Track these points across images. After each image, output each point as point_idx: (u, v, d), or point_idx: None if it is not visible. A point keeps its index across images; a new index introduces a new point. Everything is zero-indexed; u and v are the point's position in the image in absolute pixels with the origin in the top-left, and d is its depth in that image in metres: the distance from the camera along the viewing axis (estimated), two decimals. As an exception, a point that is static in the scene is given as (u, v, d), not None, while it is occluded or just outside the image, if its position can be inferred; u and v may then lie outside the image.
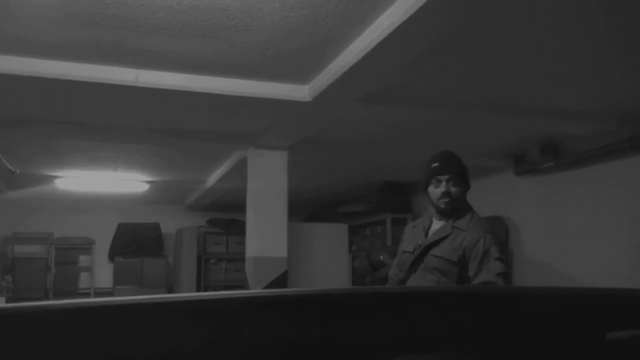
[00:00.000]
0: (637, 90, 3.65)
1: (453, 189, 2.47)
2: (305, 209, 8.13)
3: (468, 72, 3.36)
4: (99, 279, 8.20)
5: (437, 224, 2.54)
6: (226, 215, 8.22)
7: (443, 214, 2.51)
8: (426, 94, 3.74)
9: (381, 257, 5.52)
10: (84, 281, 8.27)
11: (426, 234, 2.54)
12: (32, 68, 3.12)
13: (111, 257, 8.31)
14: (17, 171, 5.80)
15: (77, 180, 6.45)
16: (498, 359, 0.79)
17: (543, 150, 5.05)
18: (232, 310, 0.73)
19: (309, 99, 3.54)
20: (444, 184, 2.47)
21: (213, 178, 6.46)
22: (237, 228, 7.51)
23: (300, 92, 3.56)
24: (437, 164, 2.51)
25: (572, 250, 4.92)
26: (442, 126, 4.50)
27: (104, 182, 6.64)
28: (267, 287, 4.46)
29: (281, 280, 4.58)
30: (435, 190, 2.49)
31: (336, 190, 7.31)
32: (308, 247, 5.88)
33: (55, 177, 6.30)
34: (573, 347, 0.78)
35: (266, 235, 4.72)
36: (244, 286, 5.40)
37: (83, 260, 8.29)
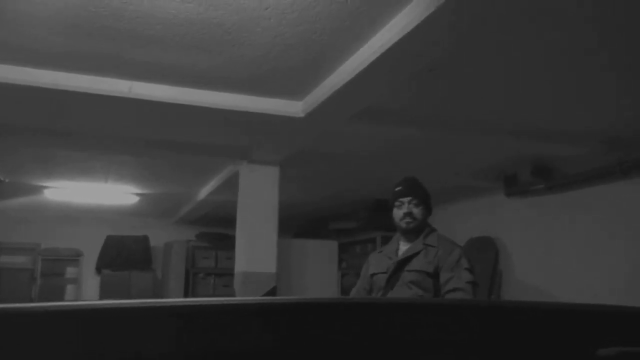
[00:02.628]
0: (627, 115, 3.70)
1: (415, 210, 2.66)
2: (296, 224, 8.10)
3: (460, 92, 3.39)
4: (86, 292, 8.12)
5: (405, 245, 2.69)
6: (216, 229, 8.18)
7: (407, 234, 2.68)
8: (418, 113, 3.76)
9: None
10: (70, 293, 8.17)
11: (396, 255, 2.69)
12: (24, 77, 3.10)
13: (98, 270, 8.22)
14: (6, 180, 5.75)
15: (66, 191, 6.39)
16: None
17: (534, 172, 5.08)
18: (221, 316, 0.73)
19: (302, 114, 3.55)
20: (406, 205, 2.66)
21: (204, 192, 6.43)
22: (226, 243, 7.47)
23: (293, 107, 3.57)
24: (400, 188, 2.72)
25: (562, 272, 4.93)
26: (433, 146, 4.52)
27: (94, 194, 6.59)
28: (256, 302, 4.43)
29: (270, 296, 4.56)
30: (398, 212, 2.69)
31: (327, 206, 7.30)
32: (298, 263, 5.86)
33: (45, 187, 6.24)
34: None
35: (256, 250, 4.69)
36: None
37: (70, 272, 8.21)
